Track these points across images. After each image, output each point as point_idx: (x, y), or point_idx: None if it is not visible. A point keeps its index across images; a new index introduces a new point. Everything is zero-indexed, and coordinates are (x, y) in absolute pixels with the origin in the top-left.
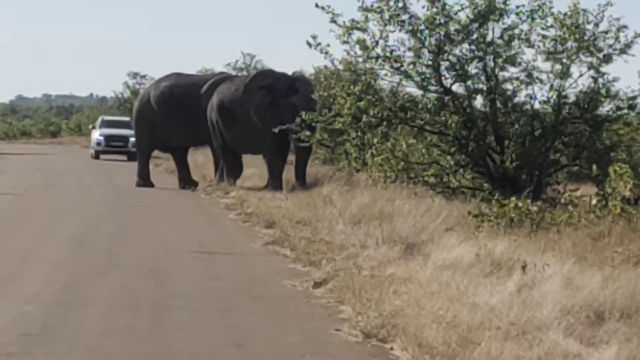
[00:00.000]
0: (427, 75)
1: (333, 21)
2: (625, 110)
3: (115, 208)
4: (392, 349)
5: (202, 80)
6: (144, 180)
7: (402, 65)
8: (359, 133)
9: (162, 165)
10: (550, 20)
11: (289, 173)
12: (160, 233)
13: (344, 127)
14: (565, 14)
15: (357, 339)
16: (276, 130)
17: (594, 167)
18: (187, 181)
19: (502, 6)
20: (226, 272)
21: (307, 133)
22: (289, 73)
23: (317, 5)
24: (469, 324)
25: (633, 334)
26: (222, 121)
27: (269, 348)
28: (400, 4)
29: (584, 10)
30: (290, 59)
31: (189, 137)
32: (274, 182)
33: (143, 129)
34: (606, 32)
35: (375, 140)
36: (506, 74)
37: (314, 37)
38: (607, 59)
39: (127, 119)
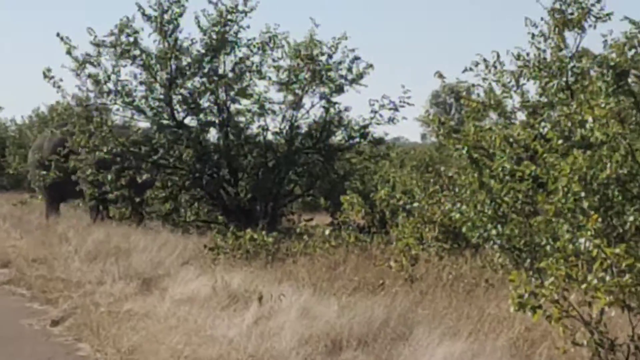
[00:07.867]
0: (160, 110)
1: (69, 53)
2: (357, 139)
3: None
4: None
5: None
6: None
7: (134, 100)
8: (93, 170)
9: None
10: (284, 51)
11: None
12: None
13: (79, 164)
14: (299, 45)
15: None
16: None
17: (325, 197)
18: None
19: (234, 39)
20: None
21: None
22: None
23: (58, 35)
24: (208, 357)
25: None
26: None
27: None
28: (132, 39)
29: (319, 42)
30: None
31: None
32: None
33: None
34: (340, 63)
35: (109, 177)
36: (238, 106)
37: (49, 70)
38: (339, 89)
39: None
